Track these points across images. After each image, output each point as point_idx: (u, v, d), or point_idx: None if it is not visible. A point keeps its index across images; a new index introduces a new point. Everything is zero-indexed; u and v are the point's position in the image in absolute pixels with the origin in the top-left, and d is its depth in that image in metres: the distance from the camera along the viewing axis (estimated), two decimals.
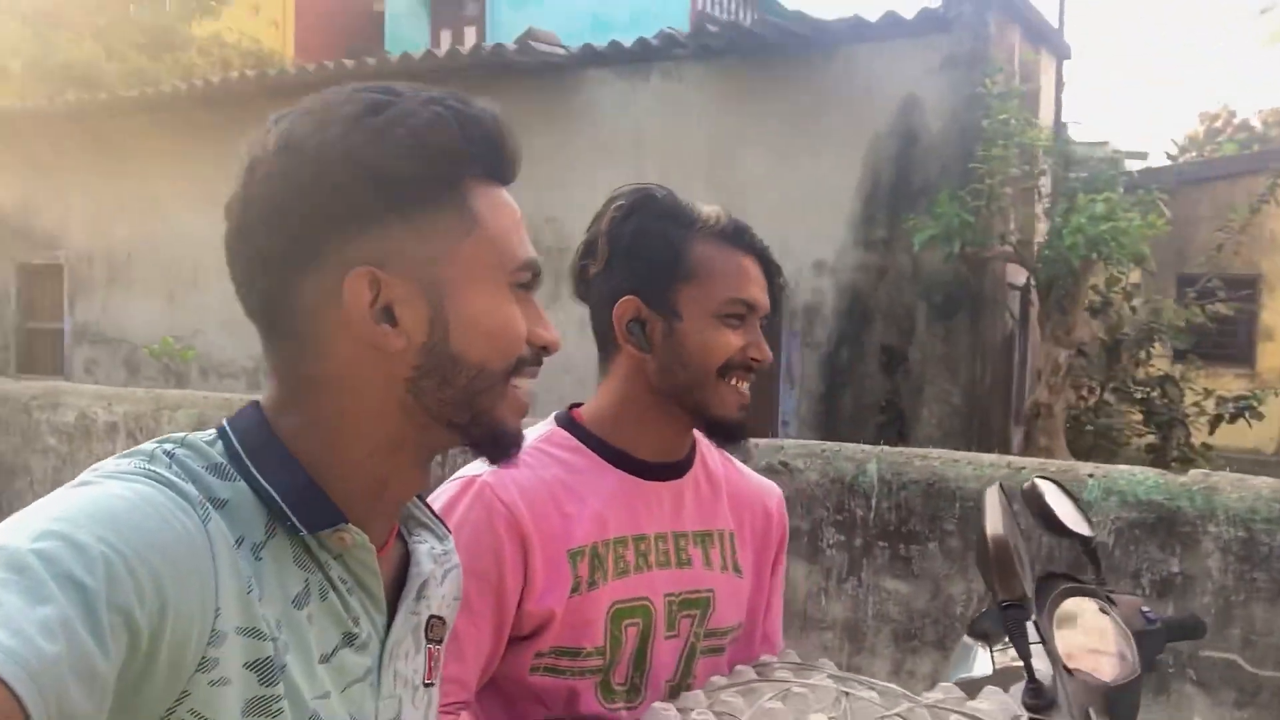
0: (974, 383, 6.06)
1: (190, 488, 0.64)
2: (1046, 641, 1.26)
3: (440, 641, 0.85)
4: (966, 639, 1.41)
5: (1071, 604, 1.39)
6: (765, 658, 1.24)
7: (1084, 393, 6.62)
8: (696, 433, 1.23)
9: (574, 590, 1.11)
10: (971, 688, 1.19)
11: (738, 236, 1.17)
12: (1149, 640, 1.43)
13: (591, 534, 1.13)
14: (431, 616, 0.83)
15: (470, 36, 14.36)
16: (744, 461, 1.39)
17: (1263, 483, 2.46)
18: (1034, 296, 6.17)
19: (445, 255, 0.72)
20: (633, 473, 1.17)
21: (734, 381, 1.15)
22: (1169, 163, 9.45)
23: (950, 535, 2.78)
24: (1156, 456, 6.30)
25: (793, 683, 1.14)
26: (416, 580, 0.79)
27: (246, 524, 0.67)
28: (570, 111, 6.61)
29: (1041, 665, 1.19)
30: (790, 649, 1.31)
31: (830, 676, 1.16)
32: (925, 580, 2.82)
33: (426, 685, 0.82)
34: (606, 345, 1.19)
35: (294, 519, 0.68)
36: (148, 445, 0.67)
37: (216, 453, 0.69)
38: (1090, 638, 1.38)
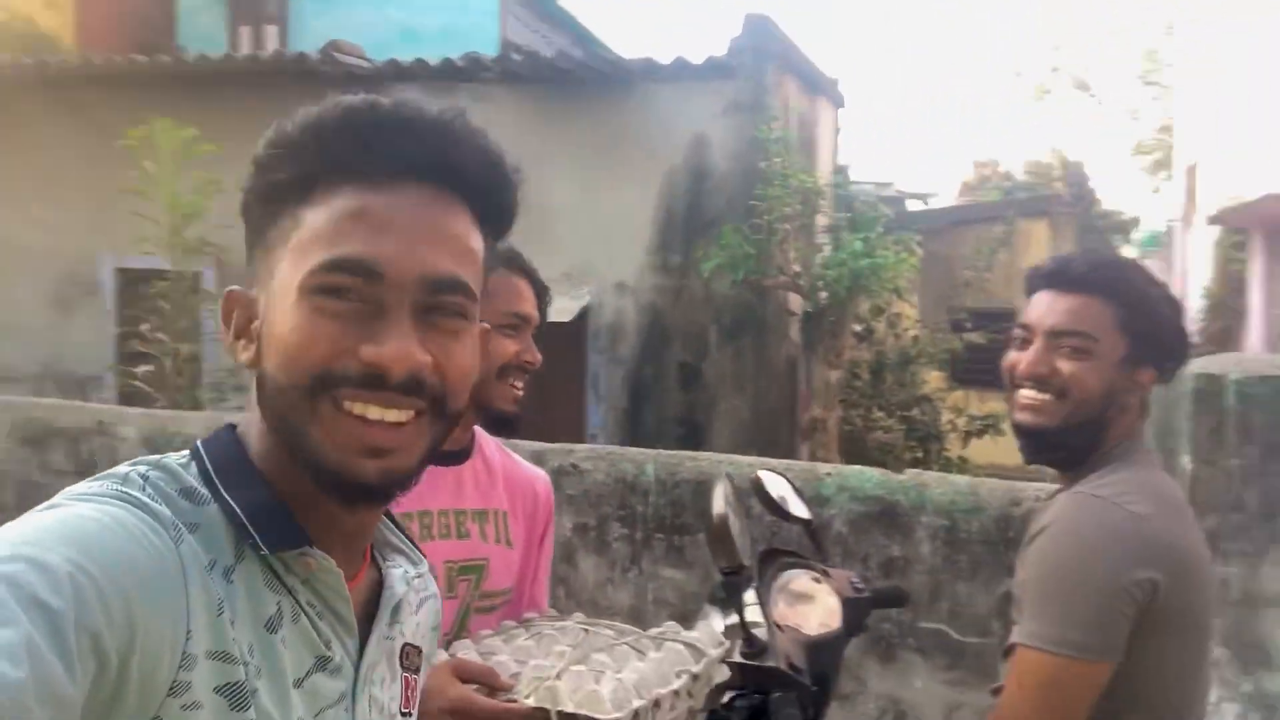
0: (760, 399, 6.58)
1: (163, 509, 0.63)
2: (763, 602, 1.53)
3: (417, 671, 0.83)
4: (706, 605, 1.64)
5: (789, 575, 1.67)
6: (528, 614, 1.45)
7: (858, 410, 7.32)
8: (476, 427, 1.47)
9: None
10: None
11: (512, 261, 1.42)
12: (859, 606, 1.72)
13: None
14: (406, 644, 0.81)
15: (271, 35, 13.81)
16: (538, 464, 1.63)
17: (962, 480, 2.94)
18: (808, 323, 6.80)
19: (275, 267, 0.69)
20: None
21: (510, 381, 1.38)
22: (929, 207, 10.54)
23: None
24: (922, 468, 7.06)
25: (544, 626, 1.37)
26: (389, 603, 0.77)
27: (218, 547, 0.65)
28: None
29: (753, 618, 1.46)
30: (551, 609, 1.55)
31: (578, 622, 1.39)
32: (697, 567, 3.13)
33: (404, 714, 0.81)
34: None
35: (256, 538, 0.66)
36: (121, 468, 0.66)
37: (190, 475, 0.68)
38: (803, 602, 1.65)
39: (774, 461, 3.13)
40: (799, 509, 1.79)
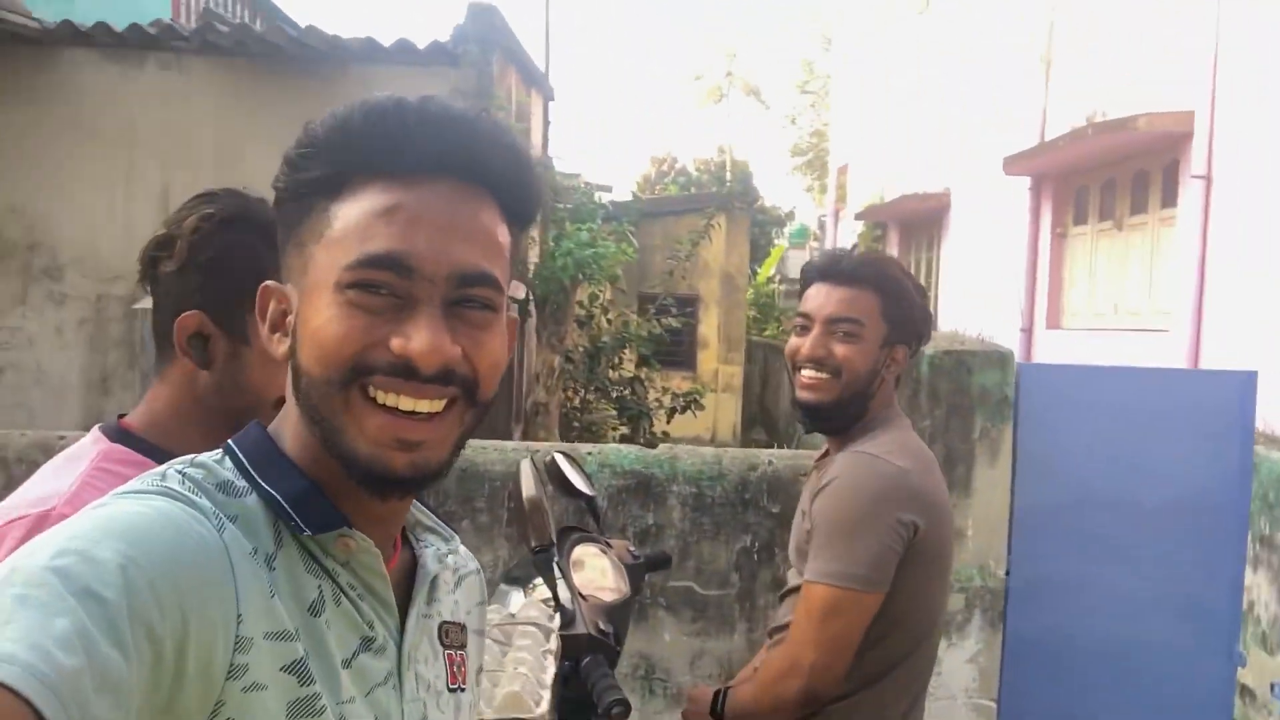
0: None
1: (203, 501, 0.65)
2: (566, 576, 1.65)
3: (462, 647, 0.84)
4: (503, 585, 1.75)
5: (581, 549, 1.80)
6: None
7: (570, 393, 7.64)
8: None
9: None
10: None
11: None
12: (635, 571, 1.92)
13: None
14: (444, 623, 0.82)
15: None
16: None
17: (708, 450, 3.27)
18: (531, 309, 6.98)
19: (307, 263, 0.71)
20: None
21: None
22: (631, 198, 11.19)
23: (481, 512, 3.19)
24: (628, 444, 7.53)
25: None
26: (424, 582, 0.79)
27: (258, 536, 0.67)
28: (45, 93, 5.87)
29: (563, 594, 1.57)
30: None
31: None
32: None
33: (452, 690, 0.82)
34: (163, 348, 1.13)
35: (297, 520, 0.68)
36: (162, 468, 0.68)
37: (225, 470, 0.70)
38: (595, 573, 1.80)
39: (541, 445, 3.27)
40: (584, 486, 1.95)
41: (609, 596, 1.76)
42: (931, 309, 1.97)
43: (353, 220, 0.69)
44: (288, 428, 0.74)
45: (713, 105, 29.77)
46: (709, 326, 12.67)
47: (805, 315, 1.74)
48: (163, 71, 6.05)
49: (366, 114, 0.70)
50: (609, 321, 7.79)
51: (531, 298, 6.67)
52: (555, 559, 1.66)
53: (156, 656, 0.55)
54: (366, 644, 0.72)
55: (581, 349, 7.46)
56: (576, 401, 7.67)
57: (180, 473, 0.68)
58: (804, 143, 27.54)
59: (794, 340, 1.75)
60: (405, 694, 0.75)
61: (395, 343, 0.67)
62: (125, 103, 6.04)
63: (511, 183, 0.74)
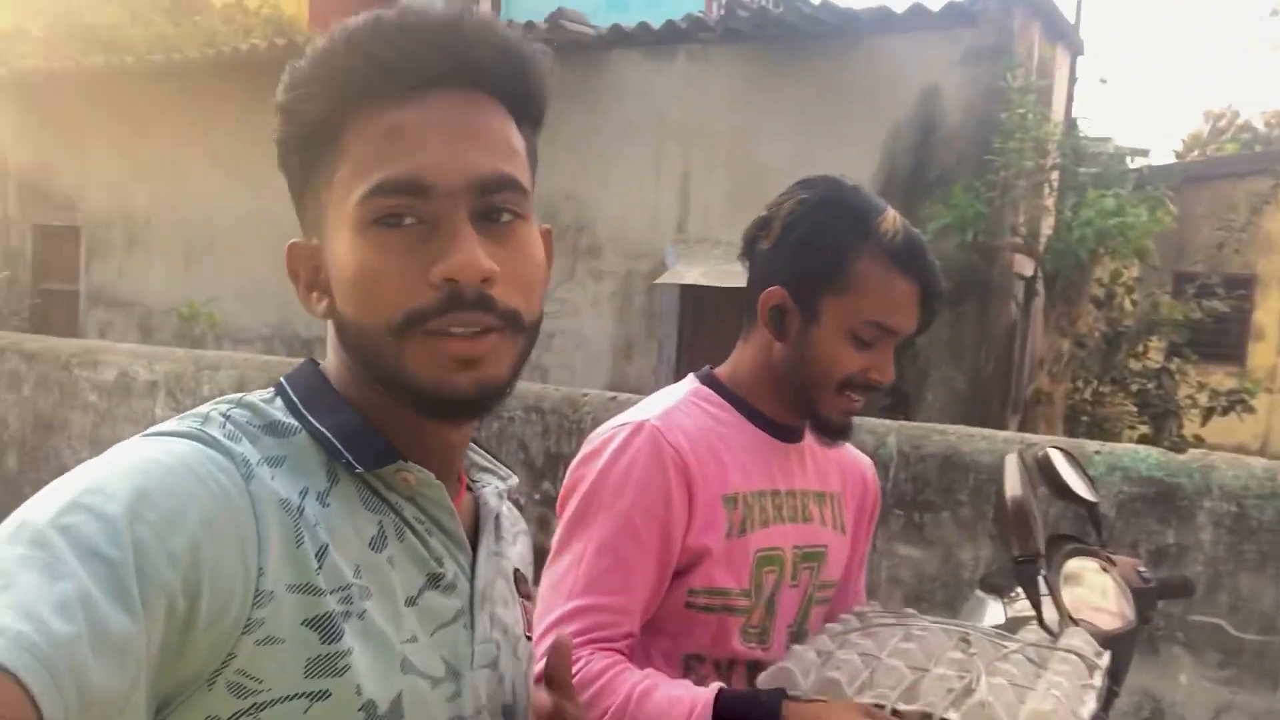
0: (978, 369, 6.27)
1: (240, 447, 0.63)
2: (1054, 593, 1.42)
3: (530, 598, 0.84)
4: (978, 593, 1.56)
5: (1076, 563, 1.53)
6: (859, 607, 1.32)
7: (1080, 383, 6.85)
8: None
9: (728, 534, 1.18)
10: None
11: (906, 260, 1.17)
12: (1144, 597, 1.60)
13: (741, 483, 1.20)
14: (516, 569, 0.82)
15: (485, 8, 14.40)
16: None
17: (1256, 462, 2.67)
18: (1038, 287, 6.37)
19: (327, 208, 0.68)
20: (768, 432, 1.26)
21: (848, 394, 1.19)
22: (1173, 160, 9.64)
23: (963, 505, 2.98)
24: (1145, 445, 6.53)
25: (909, 627, 1.23)
26: (490, 517, 0.78)
27: (310, 474, 0.66)
28: (596, 91, 6.77)
29: (1049, 615, 1.34)
30: (873, 600, 1.43)
31: (933, 621, 1.27)
32: (937, 546, 3.02)
33: (526, 638, 0.82)
34: (750, 316, 1.25)
35: (349, 457, 0.67)
36: (204, 407, 0.66)
37: (275, 409, 0.68)
38: (1092, 593, 1.52)
39: (1038, 437, 2.96)
40: (1085, 490, 1.67)
41: (1108, 622, 1.50)
42: None
43: (358, 153, 0.65)
44: (335, 370, 0.72)
45: None
46: (1267, 313, 10.54)
47: None
48: (690, 63, 6.61)
49: (347, 42, 0.66)
50: (1134, 303, 6.80)
51: (1040, 274, 6.08)
52: (1042, 572, 1.47)
53: (168, 613, 0.54)
54: (434, 581, 0.70)
55: (1098, 333, 6.62)
56: (1087, 393, 6.84)
57: (224, 415, 0.65)
58: None
59: None
60: (478, 634, 0.73)
61: (434, 270, 0.64)
62: (656, 95, 6.72)
63: (513, 81, 0.70)
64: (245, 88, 7.95)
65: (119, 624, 0.51)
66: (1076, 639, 1.21)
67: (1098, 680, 1.12)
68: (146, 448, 0.60)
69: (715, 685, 1.04)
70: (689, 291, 6.60)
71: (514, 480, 0.84)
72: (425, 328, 0.65)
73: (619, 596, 1.11)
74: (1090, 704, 1.07)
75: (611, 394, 3.25)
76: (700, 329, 6.70)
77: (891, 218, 1.18)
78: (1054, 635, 1.34)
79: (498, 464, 0.84)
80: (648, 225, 6.75)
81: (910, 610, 1.33)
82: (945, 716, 1.01)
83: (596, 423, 3.50)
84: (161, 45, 9.29)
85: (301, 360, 0.75)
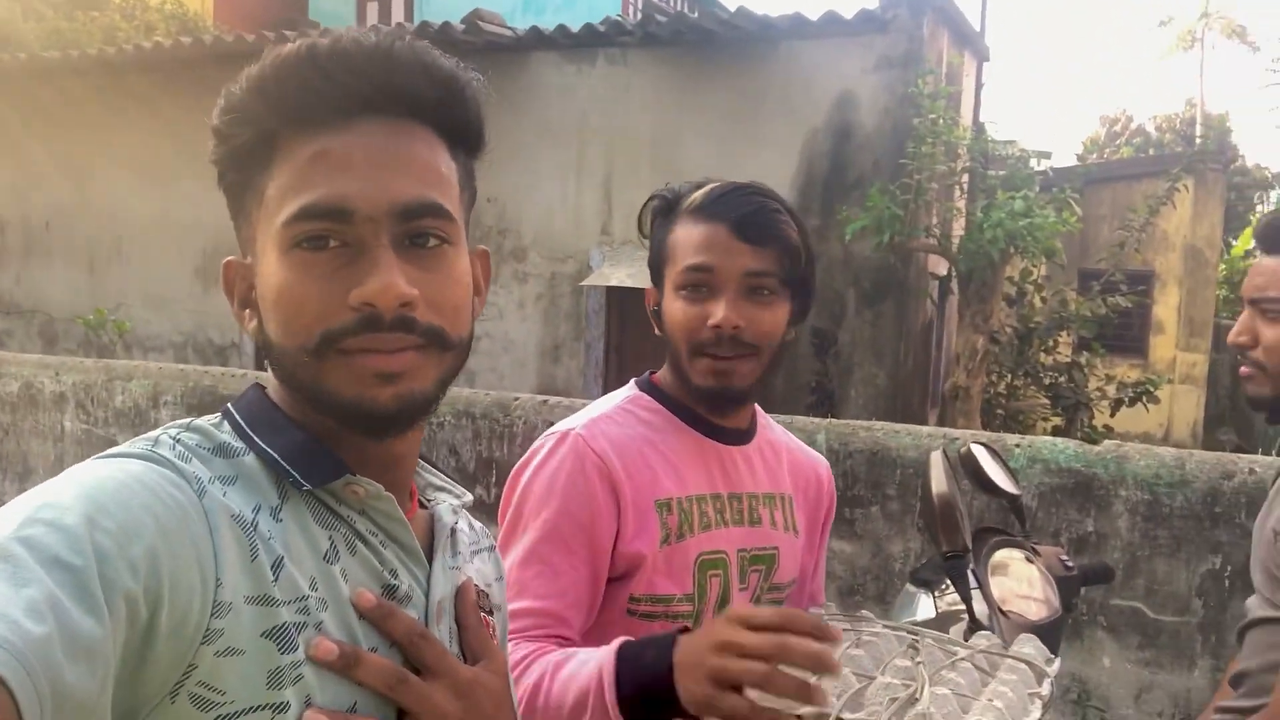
0: (898, 366, 6.42)
1: (191, 467, 0.64)
2: (983, 586, 1.45)
3: (490, 613, 0.83)
4: (910, 587, 1.58)
5: (1002, 554, 1.57)
6: (814, 609, 1.34)
7: (994, 378, 7.07)
8: (757, 405, 1.33)
9: (664, 541, 1.17)
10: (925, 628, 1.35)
11: (705, 208, 1.17)
12: (1067, 584, 1.64)
13: (675, 488, 1.19)
14: (475, 585, 0.81)
15: (397, 11, 14.17)
16: None
17: (1166, 451, 2.78)
18: (953, 286, 6.56)
19: (255, 233, 0.70)
20: (707, 435, 1.24)
21: (706, 355, 1.17)
22: (1076, 163, 10.03)
23: (891, 499, 3.03)
24: (1062, 438, 6.78)
25: (860, 632, 1.23)
26: (444, 532, 0.78)
27: (261, 492, 0.66)
28: (516, 94, 6.71)
29: (979, 607, 1.38)
30: (830, 603, 1.43)
31: (885, 625, 1.27)
32: (868, 540, 3.07)
33: None
34: None
35: (296, 475, 0.67)
36: (155, 432, 0.67)
37: (223, 433, 0.69)
38: (1019, 583, 1.55)
39: (961, 432, 3.03)
40: (1007, 484, 1.71)
41: (1036, 611, 1.53)
42: None
43: (285, 177, 0.67)
44: (276, 389, 0.73)
45: (1181, 54, 25.81)
46: (1166, 307, 11.06)
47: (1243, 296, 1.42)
48: (610, 66, 6.61)
49: (279, 67, 0.67)
50: (1043, 300, 7.06)
51: (954, 273, 6.26)
52: (970, 567, 1.48)
53: (130, 621, 0.54)
54: (389, 592, 0.71)
55: (1010, 330, 6.85)
56: (1001, 387, 7.07)
57: (174, 438, 0.66)
58: None
59: (1236, 325, 1.43)
60: None
61: (352, 295, 0.65)
62: (577, 98, 6.71)
63: (443, 108, 0.70)
64: (150, 86, 7.66)
65: (87, 628, 0.51)
66: (1028, 646, 1.21)
67: (1046, 689, 1.13)
68: (99, 468, 0.61)
69: (621, 639, 1.01)
70: (615, 293, 6.60)
71: (468, 498, 0.84)
72: (340, 346, 0.66)
73: (548, 601, 1.12)
74: (1035, 713, 1.07)
75: (543, 397, 3.21)
76: (627, 330, 6.70)
77: (701, 191, 1.20)
78: (984, 627, 1.37)
79: (452, 482, 0.84)
80: (572, 227, 6.73)
81: (865, 612, 1.33)
82: None
83: (528, 426, 3.47)
84: (57, 41, 8.90)
85: (249, 385, 0.76)
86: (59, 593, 0.51)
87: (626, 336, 6.71)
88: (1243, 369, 1.42)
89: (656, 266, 1.24)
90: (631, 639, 1.01)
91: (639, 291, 6.49)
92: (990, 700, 1.05)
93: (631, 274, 6.24)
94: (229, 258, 0.73)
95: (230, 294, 0.73)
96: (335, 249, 0.66)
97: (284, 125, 0.67)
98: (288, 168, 0.67)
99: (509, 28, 6.57)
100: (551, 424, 1.25)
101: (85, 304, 7.93)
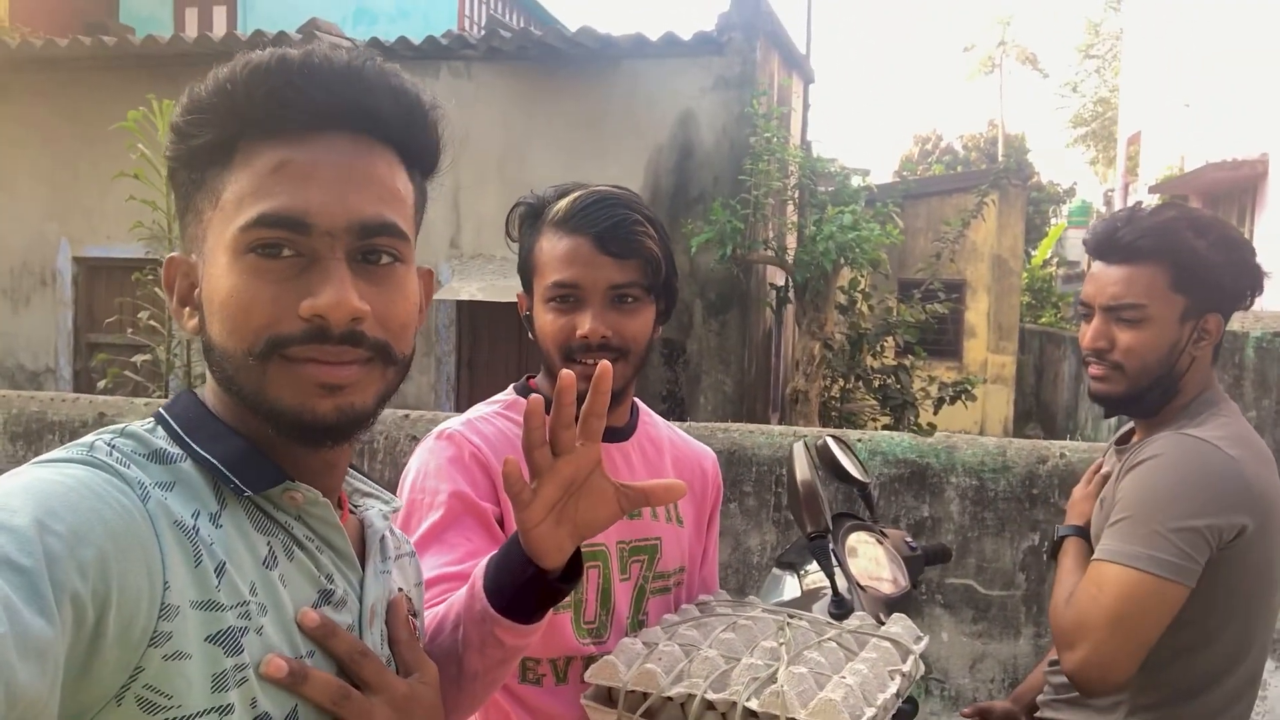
0: (743, 373, 6.69)
1: (131, 471, 0.63)
2: (843, 565, 1.57)
3: (415, 615, 0.87)
4: (775, 570, 1.69)
5: (854, 538, 1.71)
6: (703, 597, 1.39)
7: (829, 381, 7.47)
8: (639, 401, 1.39)
9: None
10: (792, 606, 1.43)
11: (570, 220, 1.21)
12: (913, 563, 1.80)
13: None
14: (399, 589, 0.84)
15: (220, 19, 13.50)
16: None
17: (989, 440, 3.07)
18: (789, 295, 6.90)
19: (204, 233, 0.70)
20: None
21: (579, 360, 1.20)
22: (894, 179, 10.72)
23: (749, 495, 3.19)
24: (897, 432, 7.24)
25: (737, 616, 1.29)
26: (375, 537, 0.80)
27: (198, 498, 0.66)
28: None
29: (840, 582, 1.49)
30: (722, 590, 1.49)
31: (765, 609, 1.33)
32: (727, 536, 3.21)
33: None
34: None
35: (237, 482, 0.68)
36: (87, 438, 0.67)
37: (158, 438, 0.69)
38: (871, 563, 1.70)
39: (808, 430, 3.22)
40: (858, 472, 1.86)
41: (887, 588, 1.68)
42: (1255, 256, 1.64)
43: (244, 183, 0.68)
44: (212, 396, 0.73)
45: (983, 77, 28.05)
46: (977, 313, 11.95)
47: (1084, 303, 1.55)
48: (454, 80, 6.58)
49: (250, 74, 0.68)
50: (870, 308, 7.53)
51: (790, 283, 6.59)
52: (832, 546, 1.60)
53: (78, 623, 0.55)
54: (325, 597, 0.73)
55: (842, 336, 7.27)
56: (836, 390, 7.48)
57: (109, 444, 0.66)
58: (1087, 112, 25.29)
59: (1081, 328, 1.58)
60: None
61: (304, 305, 0.67)
62: None
63: (406, 129, 0.73)
64: None
65: (38, 628, 0.51)
66: (897, 626, 1.30)
67: (908, 665, 1.20)
68: (40, 472, 0.61)
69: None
70: (465, 307, 6.55)
71: (398, 503, 0.86)
72: (286, 353, 0.67)
73: (452, 567, 1.13)
74: (892, 687, 1.15)
75: (404, 411, 3.18)
76: (478, 344, 6.66)
77: (565, 201, 1.24)
78: (846, 601, 1.48)
79: (380, 489, 0.85)
80: (420, 241, 6.56)
81: (752, 598, 1.40)
82: (746, 705, 1.07)
83: (390, 441, 3.42)
84: None
85: (181, 390, 0.78)
86: (10, 594, 0.51)
87: (478, 350, 6.67)
88: (1096, 370, 1.52)
89: (525, 274, 1.28)
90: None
91: (490, 305, 6.50)
92: (843, 677, 1.12)
93: (482, 287, 6.22)
94: (173, 254, 0.73)
95: (170, 290, 0.73)
96: (289, 258, 0.67)
97: (248, 130, 0.68)
98: (248, 173, 0.68)
99: (347, 38, 6.43)
100: (415, 438, 1.27)
101: None
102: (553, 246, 1.22)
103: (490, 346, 6.54)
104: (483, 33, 6.57)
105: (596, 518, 0.88)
